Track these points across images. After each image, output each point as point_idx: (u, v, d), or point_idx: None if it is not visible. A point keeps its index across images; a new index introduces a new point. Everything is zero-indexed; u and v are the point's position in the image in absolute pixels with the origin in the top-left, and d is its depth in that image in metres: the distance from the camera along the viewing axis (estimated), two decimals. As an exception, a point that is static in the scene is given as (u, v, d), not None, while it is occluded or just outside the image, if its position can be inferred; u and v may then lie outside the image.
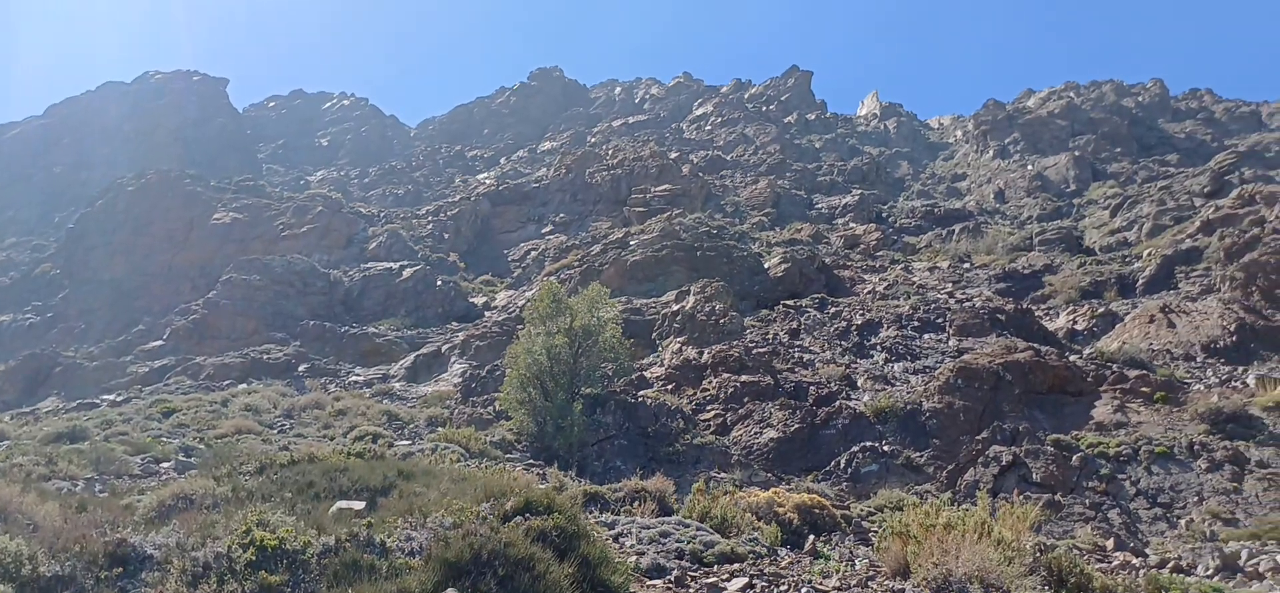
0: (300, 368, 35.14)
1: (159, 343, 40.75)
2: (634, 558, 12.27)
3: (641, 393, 26.85)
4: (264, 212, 54.50)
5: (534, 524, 9.63)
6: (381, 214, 58.52)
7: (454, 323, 40.11)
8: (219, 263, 48.56)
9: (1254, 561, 16.41)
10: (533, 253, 49.93)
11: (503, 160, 75.93)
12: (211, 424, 24.69)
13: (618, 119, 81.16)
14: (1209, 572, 16.22)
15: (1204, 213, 40.52)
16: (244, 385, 32.73)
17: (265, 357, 36.23)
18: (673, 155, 61.68)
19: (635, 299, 35.26)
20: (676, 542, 13.22)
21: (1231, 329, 28.87)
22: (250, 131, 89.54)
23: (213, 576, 7.49)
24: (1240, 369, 26.81)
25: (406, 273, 44.62)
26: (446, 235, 53.57)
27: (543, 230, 53.22)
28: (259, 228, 52.86)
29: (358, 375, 34.63)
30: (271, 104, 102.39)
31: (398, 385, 32.90)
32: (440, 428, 24.77)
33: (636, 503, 16.34)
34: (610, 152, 65.00)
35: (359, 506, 10.00)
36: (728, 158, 65.76)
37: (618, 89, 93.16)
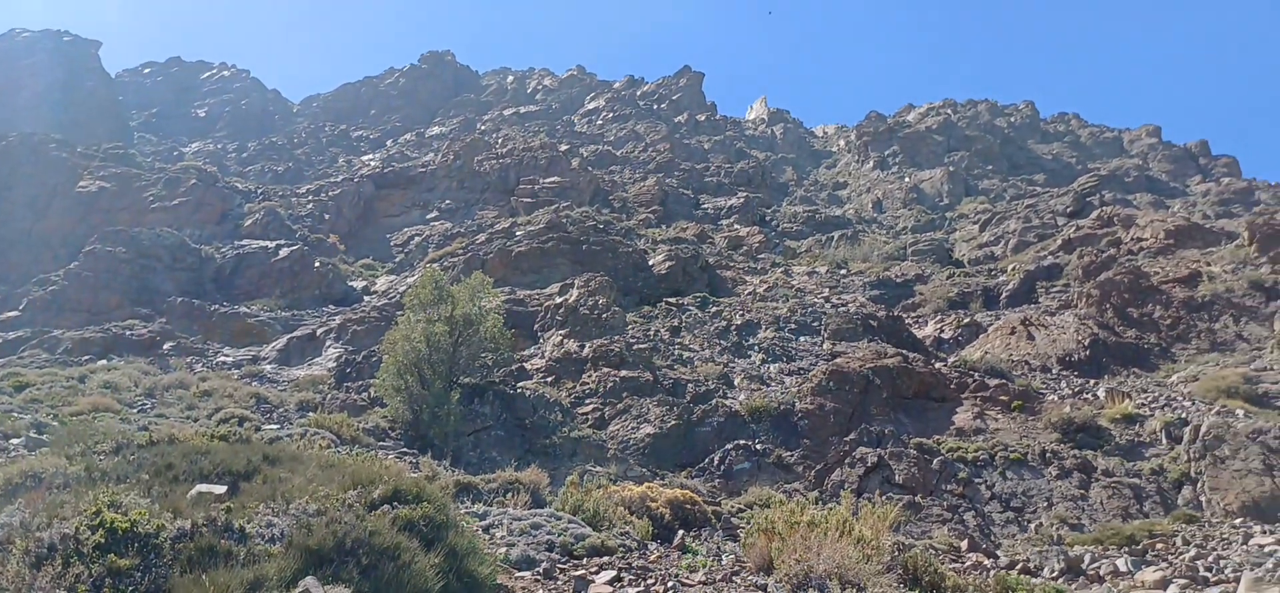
0: (165, 346, 33.83)
1: (14, 314, 38.66)
2: (504, 550, 12.28)
3: (521, 385, 26.79)
4: (134, 182, 52.22)
5: (402, 513, 9.54)
6: (259, 190, 56.71)
7: (331, 306, 39.22)
8: (83, 233, 46.30)
9: (1096, 564, 17.37)
10: (416, 239, 49.19)
11: (389, 143, 74.51)
12: (67, 401, 23.57)
13: (509, 108, 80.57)
14: (1054, 574, 17.10)
15: (1065, 232, 42.66)
16: (104, 362, 31.33)
17: (128, 333, 34.76)
18: (563, 148, 61.59)
19: (519, 290, 35.12)
20: (548, 534, 13.28)
21: (1086, 344, 30.48)
22: (122, 98, 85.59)
23: (58, 557, 7.21)
24: (1092, 382, 28.33)
25: (283, 252, 43.40)
26: (327, 216, 52.30)
27: (427, 216, 52.46)
28: (127, 198, 50.63)
29: (226, 356, 33.54)
30: (146, 71, 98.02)
31: (269, 368, 32.00)
32: (311, 413, 24.21)
33: (510, 494, 16.34)
34: (500, 141, 64.48)
35: (220, 490, 9.72)
36: (618, 153, 66.01)
37: (510, 78, 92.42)
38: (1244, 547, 17.80)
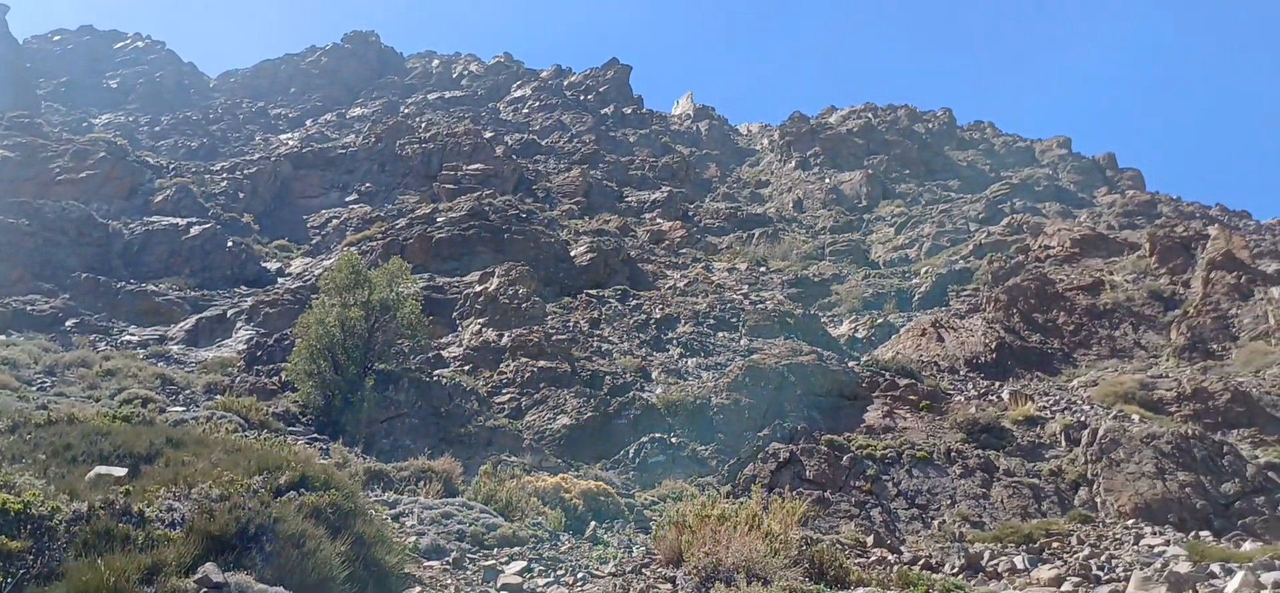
0: (68, 323, 32.71)
1: (-95, 285, 37.00)
2: (413, 539, 12.23)
3: (437, 372, 26.57)
4: (39, 152, 50.29)
5: (308, 500, 9.45)
6: (171, 166, 55.10)
7: (243, 287, 38.34)
8: (-18, 203, 44.46)
9: (994, 561, 17.91)
10: (334, 221, 48.34)
11: (309, 122, 73.00)
12: (-40, 377, 22.67)
13: (433, 92, 79.58)
14: (954, 570, 17.59)
15: (977, 237, 43.82)
16: (3, 337, 30.18)
17: (29, 308, 33.52)
18: (487, 135, 61.11)
19: (438, 277, 34.79)
20: (459, 524, 13.26)
21: (992, 347, 31.37)
22: (30, 65, 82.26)
23: (-55, 540, 6.99)
24: (997, 384, 29.18)
25: (194, 231, 42.26)
26: (241, 195, 51.05)
27: (346, 199, 51.57)
28: (32, 169, 48.72)
29: (132, 335, 32.57)
30: (56, 38, 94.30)
31: (176, 348, 31.18)
32: (219, 396, 23.67)
33: (422, 483, 16.25)
34: (423, 125, 63.71)
35: (120, 472, 9.50)
36: (543, 143, 65.72)
37: (436, 62, 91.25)
38: (1135, 547, 18.52)
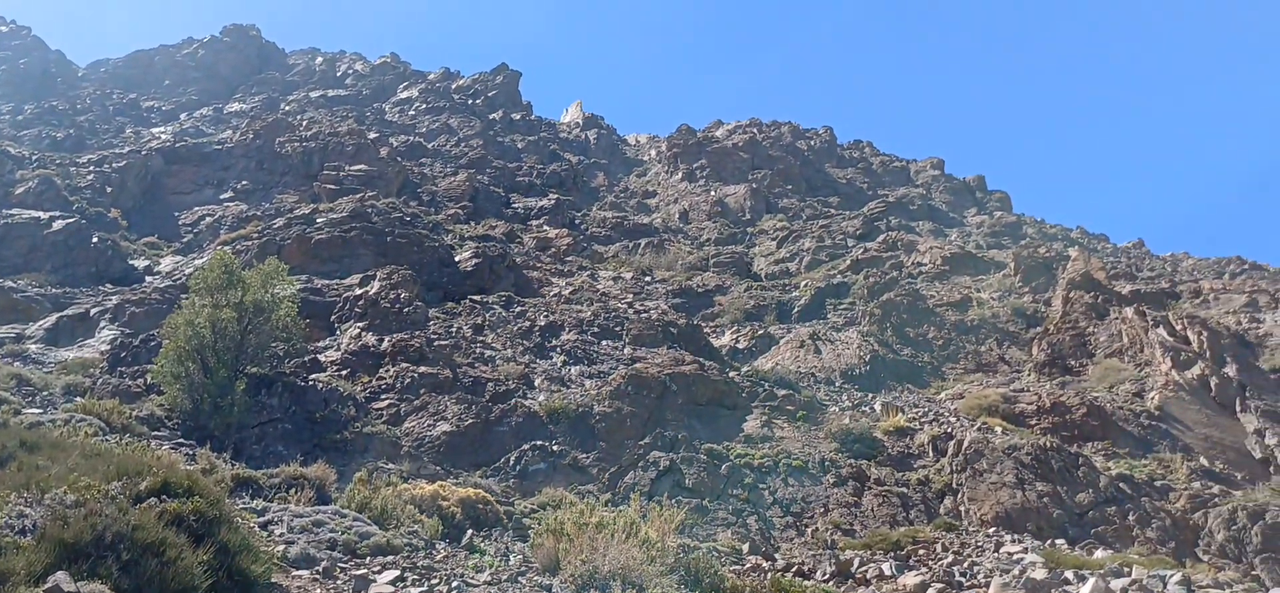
0: (-87, 319, 30.75)
1: None
2: (282, 547, 11.93)
3: (313, 377, 25.93)
4: (-118, 135, 47.15)
5: (170, 507, 9.14)
6: (34, 157, 52.31)
7: (108, 285, 36.64)
8: None
9: (864, 568, 18.46)
10: (207, 219, 46.63)
11: (183, 116, 70.21)
12: None
13: (316, 90, 77.53)
14: (825, 576, 18.08)
15: (854, 253, 45.10)
16: None
17: None
18: (372, 136, 59.90)
19: (317, 279, 33.92)
20: (330, 532, 12.98)
21: (866, 359, 32.33)
22: (-124, 44, 77.09)
23: None
24: (870, 396, 30.08)
25: (57, 225, 40.21)
26: (109, 189, 48.78)
27: (221, 196, 49.80)
28: (-127, 153, 45.62)
29: (-14, 333, 30.81)
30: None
31: (34, 348, 29.61)
32: (79, 398, 22.59)
33: (293, 490, 15.84)
34: (305, 123, 62.08)
35: (-35, 478, 9.01)
36: (429, 146, 64.75)
37: (319, 59, 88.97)
38: (995, 554, 19.33)
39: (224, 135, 59.44)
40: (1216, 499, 23.40)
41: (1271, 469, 27.76)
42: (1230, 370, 31.06)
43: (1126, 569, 16.71)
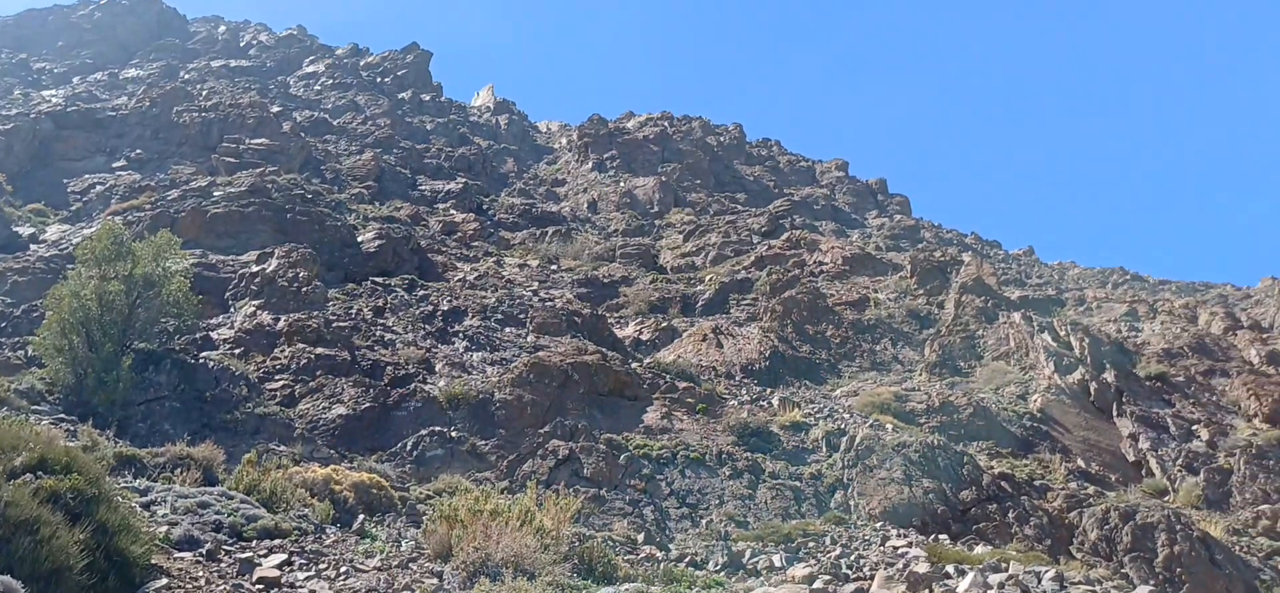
0: None
1: None
2: (165, 529, 11.64)
3: (204, 354, 25.24)
4: None
5: (46, 484, 8.87)
6: (-90, 114, 49.61)
7: (-11, 252, 35.03)
8: None
9: (755, 559, 18.84)
10: (98, 187, 44.85)
11: (76, 80, 67.29)
12: None
13: (218, 60, 75.08)
14: (717, 567, 18.40)
15: (758, 250, 45.77)
16: None
17: None
18: (274, 109, 58.38)
19: (212, 254, 32.99)
20: (216, 513, 12.71)
21: (766, 355, 32.88)
22: None
23: None
24: (768, 391, 30.60)
25: (-67, 187, 38.26)
26: (-7, 152, 46.55)
27: (113, 165, 47.93)
28: None
29: None
30: None
31: (-96, 315, 28.17)
32: (-47, 370, 21.62)
33: (179, 470, 15.44)
34: (205, 93, 60.18)
35: None
36: (334, 123, 63.38)
37: (222, 28, 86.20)
38: (881, 548, 19.92)
39: (119, 101, 57.23)
40: (1091, 500, 24.48)
41: (1144, 472, 29.19)
42: (1109, 376, 32.50)
43: (1004, 565, 17.38)
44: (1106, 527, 22.92)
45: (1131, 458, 29.67)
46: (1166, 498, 27.07)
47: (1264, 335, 42.09)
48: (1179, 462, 28.85)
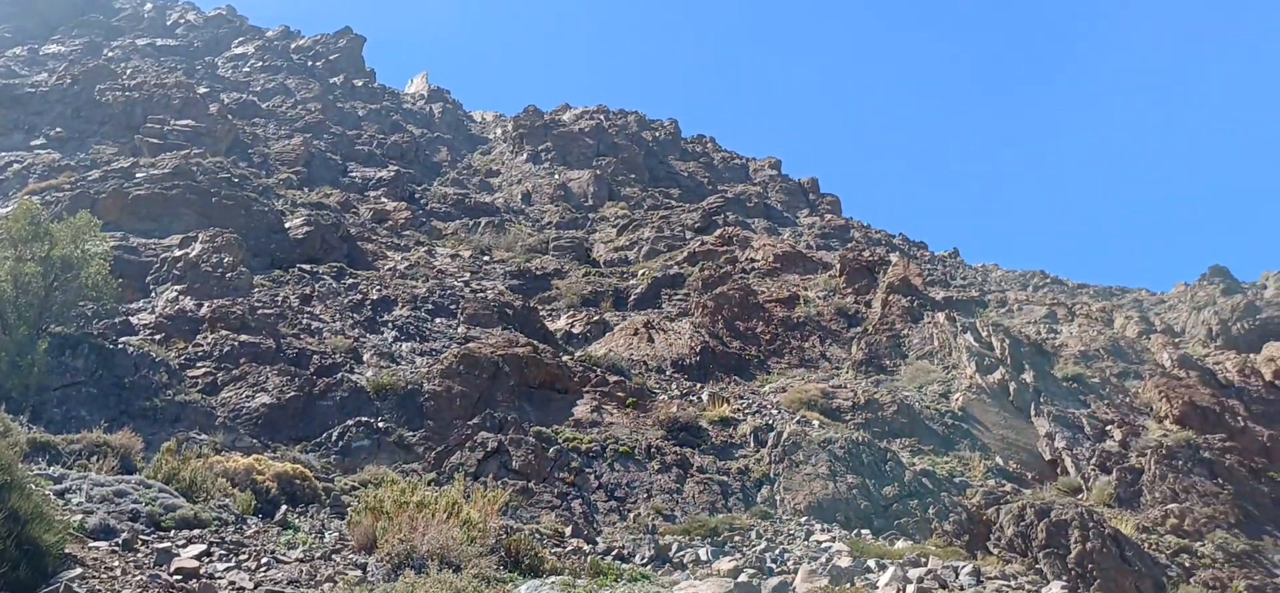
0: None
1: None
2: (79, 517, 11.37)
3: (124, 340, 24.62)
4: None
5: (-47, 472, 8.62)
6: None
7: (-105, 230, 33.68)
8: None
9: (681, 553, 19.00)
10: (15, 166, 43.37)
11: (-8, 53, 65.07)
12: None
13: (144, 38, 73.08)
14: (644, 560, 18.52)
15: (691, 245, 46.06)
16: None
17: None
18: (202, 91, 57.06)
19: (133, 237, 32.14)
20: (134, 502, 12.45)
21: (697, 350, 33.12)
22: None
23: None
24: (698, 386, 30.85)
25: None
26: (-100, 125, 44.76)
27: (32, 143, 46.40)
28: None
29: None
30: None
31: None
32: None
33: (96, 458, 15.08)
34: (129, 71, 58.60)
35: None
36: (264, 106, 62.16)
37: (149, 5, 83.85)
38: (805, 542, 20.25)
39: (39, 78, 55.42)
40: (1008, 497, 25.15)
41: (1059, 471, 30.05)
42: (1027, 377, 33.39)
43: (923, 559, 17.80)
44: (1022, 523, 23.56)
45: (1048, 457, 30.52)
46: (1080, 496, 27.92)
47: (1176, 340, 43.63)
48: (1093, 461, 29.76)
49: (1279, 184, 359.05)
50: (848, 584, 15.45)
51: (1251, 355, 45.24)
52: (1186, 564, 25.12)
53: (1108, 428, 31.68)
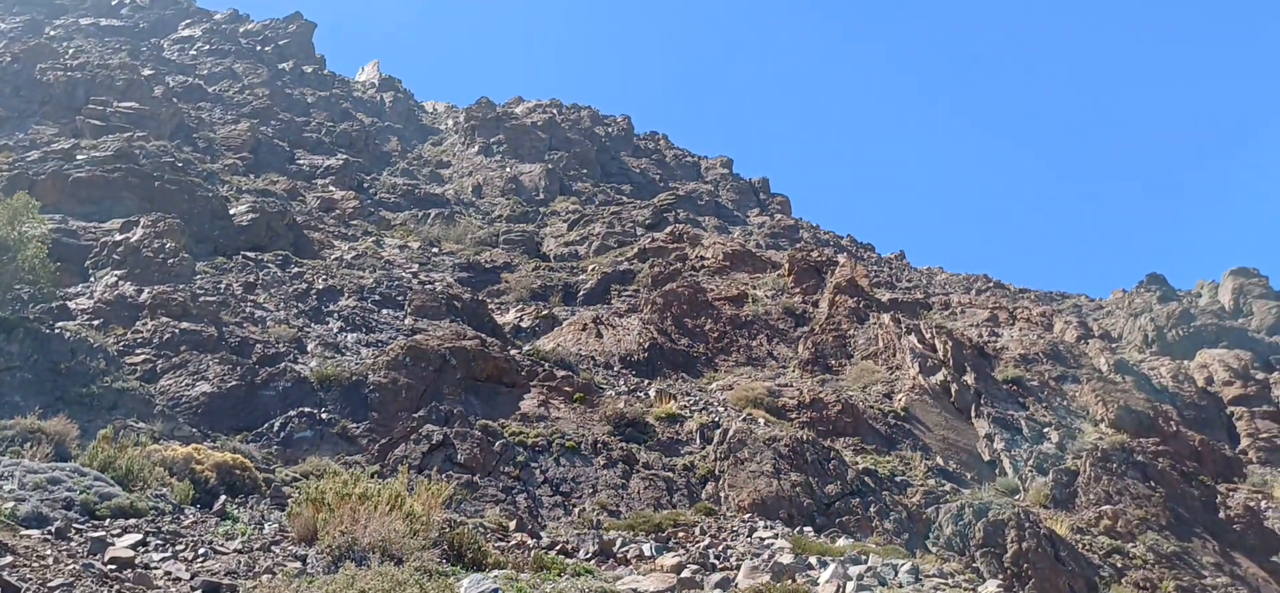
0: None
1: None
2: (11, 504, 11.16)
3: (61, 325, 24.07)
4: None
5: (-122, 457, 8.40)
6: None
7: None
8: None
9: (625, 548, 19.05)
10: (-50, 144, 42.26)
11: (-73, 28, 63.22)
12: None
13: (87, 18, 71.42)
14: (588, 555, 18.54)
15: (641, 242, 46.20)
16: None
17: None
18: (146, 73, 55.92)
19: (73, 220, 31.46)
20: (68, 490, 12.23)
21: (646, 346, 33.25)
22: None
23: None
24: (646, 382, 30.97)
25: None
26: None
27: (-33, 121, 45.23)
28: None
29: None
30: None
31: None
32: None
33: (29, 445, 14.78)
34: (71, 51, 57.26)
35: None
36: (210, 90, 61.12)
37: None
38: (748, 539, 20.41)
39: (-25, 54, 53.92)
40: (948, 496, 25.59)
41: (998, 471, 30.64)
42: (969, 379, 33.98)
43: (864, 557, 18.06)
44: (960, 523, 23.98)
45: (987, 457, 31.11)
46: (1017, 497, 28.49)
47: (1112, 345, 44.68)
48: (1030, 462, 30.38)
49: (1216, 195, 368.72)
50: (789, 581, 15.62)
51: (1185, 362, 46.53)
52: (1118, 565, 25.76)
53: (1045, 430, 32.36)
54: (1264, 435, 40.66)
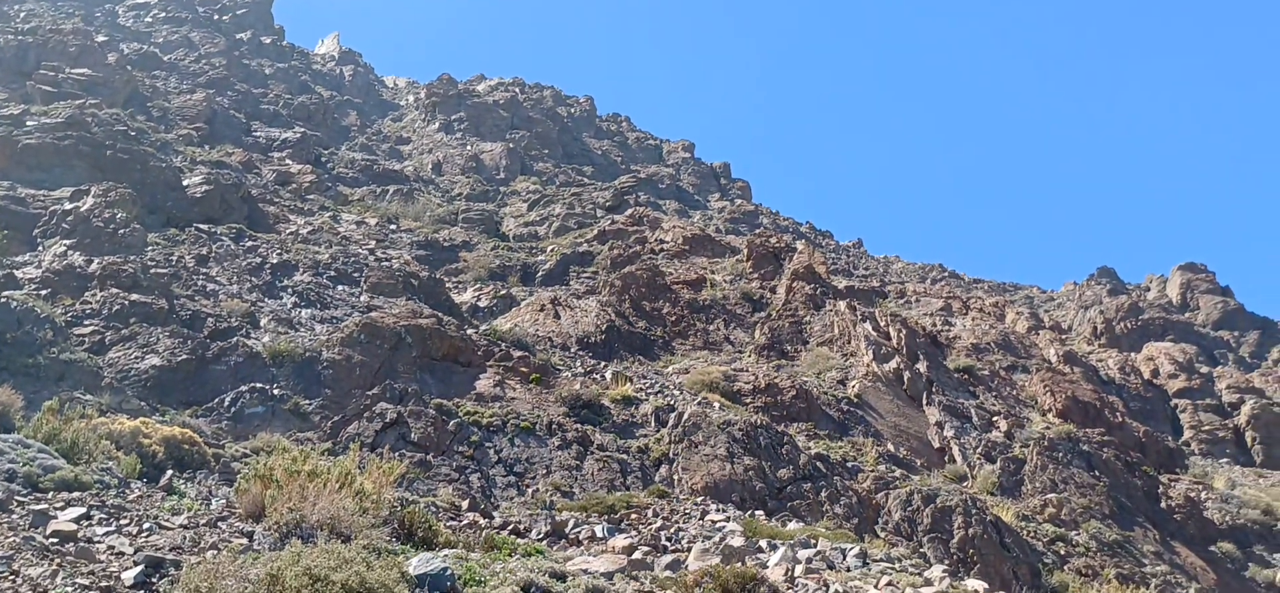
0: None
1: None
2: (-50, 477, 10.97)
3: (7, 294, 23.62)
4: None
5: None
6: None
7: None
8: None
9: (577, 529, 19.11)
10: (-107, 106, 41.19)
11: None
12: None
13: (38, -22, 69.96)
14: (540, 536, 18.59)
15: (601, 224, 46.18)
16: None
17: None
18: (100, 39, 54.76)
19: (21, 187, 30.83)
20: (10, 462, 12.07)
21: (603, 328, 33.28)
22: None
23: None
24: (603, 364, 31.01)
25: None
26: None
27: (-88, 83, 44.10)
28: None
29: None
30: None
31: None
32: None
33: (-29, 416, 14.52)
34: (21, 14, 55.89)
35: None
36: (165, 58, 60.00)
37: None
38: (700, 522, 20.55)
39: (-79, 15, 52.53)
40: (897, 482, 25.95)
41: (947, 459, 31.11)
42: (921, 367, 34.42)
43: (813, 541, 18.27)
44: (909, 508, 24.36)
45: (937, 445, 31.56)
46: (965, 484, 28.95)
47: (1063, 336, 45.45)
48: (979, 450, 30.88)
49: (1165, 189, 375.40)
50: (739, 564, 15.77)
51: (1132, 354, 47.47)
52: (1062, 552, 26.29)
53: (994, 419, 32.88)
54: (1206, 428, 41.67)
